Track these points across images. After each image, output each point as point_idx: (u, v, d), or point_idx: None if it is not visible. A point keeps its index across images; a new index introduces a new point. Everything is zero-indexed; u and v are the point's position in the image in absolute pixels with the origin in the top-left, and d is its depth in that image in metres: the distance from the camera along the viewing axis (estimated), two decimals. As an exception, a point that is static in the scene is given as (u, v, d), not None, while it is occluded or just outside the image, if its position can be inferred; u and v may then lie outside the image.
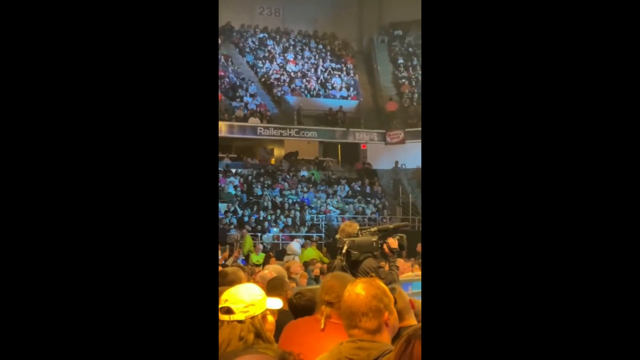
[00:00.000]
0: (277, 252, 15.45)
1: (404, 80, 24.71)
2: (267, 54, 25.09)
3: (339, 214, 18.96)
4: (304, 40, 26.53)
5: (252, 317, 2.33)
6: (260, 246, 15.25)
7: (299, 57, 25.48)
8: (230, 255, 13.39)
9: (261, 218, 18.06)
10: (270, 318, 2.51)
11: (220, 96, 20.95)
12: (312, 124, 22.33)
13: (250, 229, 17.12)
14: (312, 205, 19.45)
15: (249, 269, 8.48)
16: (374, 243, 4.35)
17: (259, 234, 17.26)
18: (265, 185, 19.81)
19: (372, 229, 4.52)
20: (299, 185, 20.27)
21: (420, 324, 1.69)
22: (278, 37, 26.23)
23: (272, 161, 22.39)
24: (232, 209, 17.88)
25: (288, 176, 20.66)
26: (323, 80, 24.33)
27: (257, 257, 13.68)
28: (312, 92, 23.76)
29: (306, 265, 10.51)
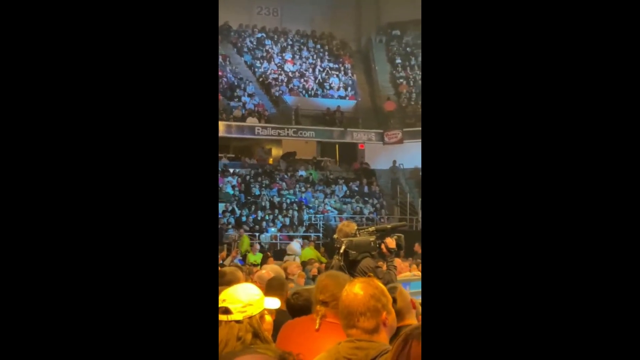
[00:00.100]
0: (275, 252, 15.44)
1: (401, 80, 24.72)
2: (265, 54, 25.08)
3: (337, 214, 18.95)
4: (302, 40, 26.53)
5: (250, 317, 2.33)
6: (258, 246, 15.24)
7: (297, 56, 25.47)
8: (228, 255, 13.38)
9: (259, 218, 18.05)
10: (268, 318, 2.51)
11: (219, 96, 20.95)
12: (310, 124, 22.33)
13: (248, 228, 17.11)
14: (310, 205, 19.45)
15: (247, 269, 8.48)
16: (372, 243, 4.34)
17: (257, 234, 17.26)
18: (263, 185, 19.81)
19: (370, 229, 4.52)
20: (297, 185, 20.27)
21: (417, 324, 1.69)
22: (276, 36, 26.22)
23: (270, 161, 22.39)
24: (230, 208, 17.88)
25: (286, 176, 20.66)
26: (321, 80, 24.33)
27: (255, 257, 13.67)
28: (310, 92, 23.76)
29: (304, 265, 10.51)
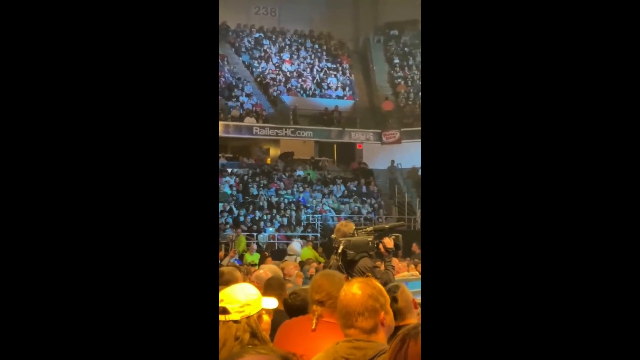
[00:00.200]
0: (273, 252, 15.44)
1: (399, 80, 24.72)
2: (263, 54, 25.08)
3: (335, 215, 18.94)
4: (299, 40, 26.52)
5: (248, 317, 2.33)
6: (255, 246, 15.23)
7: (295, 56, 25.47)
8: (225, 255, 13.37)
9: (257, 218, 18.05)
10: (266, 318, 2.51)
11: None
12: (307, 124, 22.32)
13: (246, 228, 17.11)
14: (308, 205, 19.45)
15: (245, 269, 8.48)
16: (370, 243, 4.35)
17: (255, 234, 17.25)
18: (261, 185, 19.80)
19: (368, 229, 4.52)
20: (295, 185, 20.27)
21: (414, 323, 1.69)
22: (274, 36, 26.22)
23: (268, 161, 22.38)
24: (228, 208, 17.87)
25: (284, 176, 20.65)
26: (319, 80, 24.33)
27: (252, 257, 13.66)
28: (307, 92, 23.76)
29: (302, 265, 10.52)
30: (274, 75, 24.06)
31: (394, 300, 2.87)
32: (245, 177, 20.06)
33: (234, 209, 18.09)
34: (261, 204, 18.81)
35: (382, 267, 4.46)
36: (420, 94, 22.73)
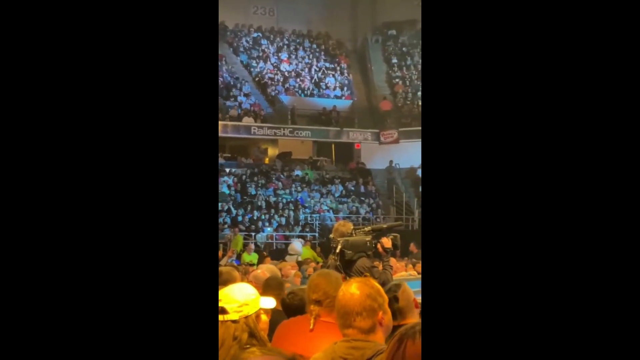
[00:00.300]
0: (272, 252, 15.43)
1: (397, 80, 24.73)
2: (261, 54, 25.06)
3: (333, 215, 18.94)
4: (297, 40, 26.51)
5: (246, 317, 2.33)
6: (253, 246, 15.22)
7: (293, 56, 25.46)
8: (224, 255, 13.36)
9: (255, 218, 18.05)
10: (264, 317, 2.51)
11: (215, 96, 20.88)
12: (306, 124, 22.32)
13: (244, 228, 17.09)
14: (306, 205, 19.45)
15: (243, 269, 8.47)
16: (368, 242, 4.35)
17: (253, 234, 17.25)
18: (259, 185, 19.79)
19: (366, 229, 4.52)
20: (293, 185, 20.26)
21: (412, 323, 1.69)
22: (272, 36, 26.21)
23: (266, 161, 22.37)
24: (226, 208, 17.86)
25: (282, 176, 20.65)
26: (317, 80, 24.32)
27: (250, 257, 13.65)
28: (306, 92, 23.75)
29: (300, 264, 10.52)
30: (272, 75, 24.05)
31: (395, 299, 2.86)
32: (244, 177, 20.05)
33: (232, 208, 18.08)
34: (259, 203, 18.80)
35: (380, 267, 4.46)
36: (419, 93, 22.78)
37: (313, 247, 15.70)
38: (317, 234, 18.12)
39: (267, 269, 4.96)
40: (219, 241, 15.47)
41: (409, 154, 20.63)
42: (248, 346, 2.19)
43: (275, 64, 24.73)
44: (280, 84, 23.70)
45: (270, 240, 17.51)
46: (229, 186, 19.16)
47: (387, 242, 4.46)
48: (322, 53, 25.99)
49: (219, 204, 17.60)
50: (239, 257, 13.93)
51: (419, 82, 23.58)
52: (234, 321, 2.30)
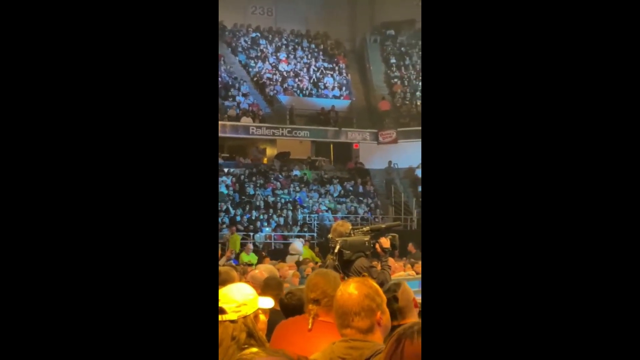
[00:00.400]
0: (270, 252, 15.42)
1: (396, 80, 24.73)
2: (259, 54, 25.06)
3: (331, 215, 18.94)
4: (296, 40, 26.51)
5: (245, 317, 2.33)
6: (251, 246, 15.20)
7: (292, 56, 25.45)
8: (222, 255, 13.35)
9: (253, 218, 18.04)
10: (263, 317, 2.51)
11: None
12: (304, 124, 22.32)
13: (242, 228, 17.09)
14: (305, 205, 19.45)
15: (241, 269, 8.47)
16: (366, 242, 4.35)
17: (252, 234, 17.24)
18: (258, 185, 19.79)
19: (365, 229, 4.52)
20: (292, 185, 20.26)
21: (410, 323, 1.69)
22: (270, 36, 26.20)
23: (265, 160, 22.36)
24: (225, 208, 17.86)
25: (280, 176, 20.64)
26: (315, 80, 24.32)
27: (249, 257, 13.64)
28: (304, 92, 23.75)
29: (298, 264, 10.51)
30: (270, 75, 24.05)
31: (395, 299, 2.86)
32: (242, 177, 20.04)
33: (231, 208, 18.07)
34: (258, 203, 18.80)
35: (379, 267, 4.46)
36: (417, 93, 22.79)
37: (311, 247, 15.70)
38: (315, 234, 18.12)
39: (265, 269, 4.96)
40: (219, 241, 15.46)
41: (407, 154, 20.63)
42: (246, 346, 2.18)
43: (273, 64, 24.73)
44: (278, 83, 23.70)
45: (268, 240, 17.50)
46: (227, 186, 19.15)
47: (385, 242, 4.46)
48: (321, 53, 25.99)
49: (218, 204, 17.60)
50: (237, 257, 13.92)
51: (418, 82, 23.61)
52: (232, 321, 2.30)
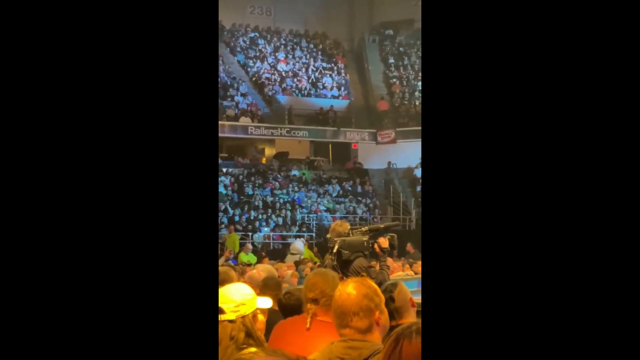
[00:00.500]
0: (269, 252, 15.42)
1: (395, 80, 24.74)
2: (258, 54, 25.06)
3: (330, 215, 18.94)
4: (295, 40, 26.52)
5: (243, 317, 2.33)
6: (250, 246, 15.19)
7: (290, 56, 25.46)
8: (221, 255, 13.33)
9: (252, 218, 18.04)
10: (261, 317, 2.51)
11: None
12: (303, 124, 22.33)
13: (240, 228, 17.08)
14: (303, 205, 19.45)
15: (240, 269, 8.46)
16: (365, 242, 4.35)
17: (250, 234, 17.24)
18: (256, 185, 19.79)
19: (363, 229, 4.52)
20: (290, 185, 20.27)
21: (409, 323, 1.69)
22: (269, 36, 26.20)
23: (263, 160, 22.36)
24: (223, 208, 17.86)
25: (279, 176, 20.65)
26: (314, 80, 24.33)
27: (248, 257, 13.63)
28: (303, 92, 23.75)
29: (297, 264, 10.51)
30: (269, 75, 24.05)
31: (391, 299, 2.87)
32: (241, 177, 20.05)
33: (229, 208, 18.07)
34: (256, 203, 18.80)
35: (377, 267, 4.46)
36: (416, 93, 22.80)
37: (310, 247, 15.69)
38: (314, 234, 18.12)
39: (263, 269, 4.96)
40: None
41: (406, 154, 20.65)
42: (245, 346, 2.18)
43: (272, 64, 24.74)
44: (277, 83, 23.70)
45: (267, 240, 17.50)
46: (225, 186, 19.15)
47: (384, 242, 4.46)
48: (319, 53, 25.99)
49: (216, 204, 17.57)
50: (235, 257, 13.91)
51: (416, 82, 23.64)
52: (230, 321, 2.30)
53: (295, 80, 24.14)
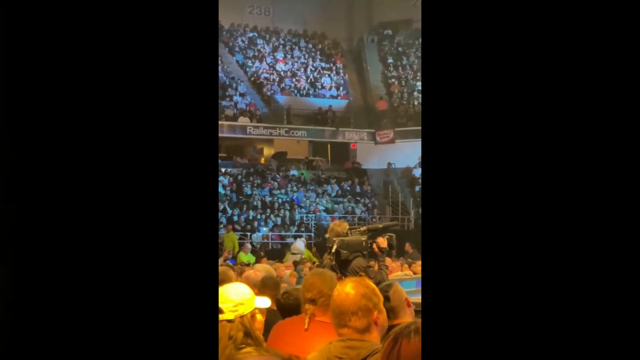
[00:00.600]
0: (267, 252, 15.42)
1: (393, 80, 24.73)
2: (256, 53, 25.05)
3: (328, 215, 18.94)
4: (293, 40, 26.50)
5: (242, 316, 2.33)
6: (249, 245, 15.18)
7: (289, 56, 25.45)
8: (220, 255, 13.32)
9: (251, 217, 18.04)
10: (259, 317, 2.51)
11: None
12: (301, 124, 22.32)
13: (239, 228, 17.08)
14: (302, 205, 19.45)
15: (239, 269, 8.46)
16: (364, 242, 4.35)
17: (249, 234, 17.23)
18: (255, 185, 19.78)
19: (362, 229, 4.52)
20: (289, 185, 20.26)
21: (407, 322, 1.69)
22: (268, 36, 26.19)
23: (262, 160, 22.36)
24: (222, 208, 17.85)
25: (278, 175, 20.64)
26: (313, 80, 24.32)
27: (247, 257, 13.63)
28: (301, 92, 23.75)
29: (296, 264, 10.51)
30: (267, 75, 24.04)
31: (386, 299, 2.87)
32: (239, 177, 20.04)
33: (228, 208, 18.07)
34: (255, 203, 18.80)
35: (376, 267, 4.46)
36: (415, 93, 22.80)
37: (309, 247, 15.69)
38: (312, 234, 18.12)
39: (261, 269, 4.96)
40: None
41: (405, 154, 20.65)
42: (243, 345, 2.19)
43: (271, 64, 24.72)
44: (276, 83, 23.69)
45: (265, 240, 17.50)
46: (224, 186, 19.14)
47: (382, 242, 4.46)
48: (318, 53, 25.98)
49: (215, 204, 17.55)
50: (235, 257, 13.90)
51: (415, 82, 23.64)
52: (229, 321, 2.30)
53: (294, 80, 24.14)
